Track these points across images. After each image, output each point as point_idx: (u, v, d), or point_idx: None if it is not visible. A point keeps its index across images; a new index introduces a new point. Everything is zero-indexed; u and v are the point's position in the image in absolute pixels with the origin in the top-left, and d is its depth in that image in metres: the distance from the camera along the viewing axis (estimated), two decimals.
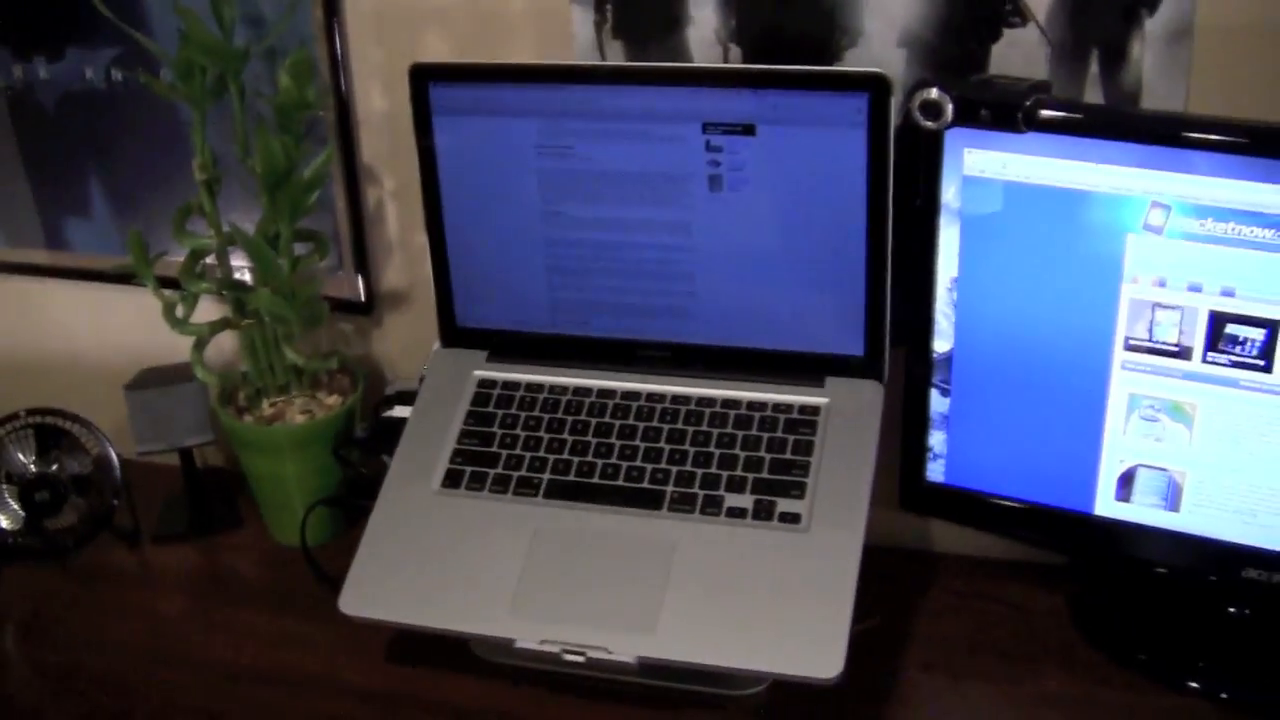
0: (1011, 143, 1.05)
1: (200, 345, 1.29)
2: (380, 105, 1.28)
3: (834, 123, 1.09)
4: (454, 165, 1.20)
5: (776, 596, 1.07)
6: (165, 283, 1.27)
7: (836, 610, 1.05)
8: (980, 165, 1.07)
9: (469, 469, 1.18)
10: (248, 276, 1.28)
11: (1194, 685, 1.12)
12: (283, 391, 1.31)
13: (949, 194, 1.09)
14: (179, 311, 1.26)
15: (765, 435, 1.16)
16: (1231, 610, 1.15)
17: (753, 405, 1.18)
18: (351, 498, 1.29)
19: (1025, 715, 1.11)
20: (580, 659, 1.06)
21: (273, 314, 1.23)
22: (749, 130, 1.12)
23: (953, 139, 1.07)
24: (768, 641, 1.05)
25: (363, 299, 1.36)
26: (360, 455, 1.30)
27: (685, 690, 1.11)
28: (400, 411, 1.25)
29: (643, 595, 1.08)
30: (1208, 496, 1.10)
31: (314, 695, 1.15)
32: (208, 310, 1.31)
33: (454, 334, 1.26)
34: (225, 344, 1.39)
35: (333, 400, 1.31)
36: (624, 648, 1.06)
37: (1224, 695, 1.11)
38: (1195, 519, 1.11)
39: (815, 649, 1.04)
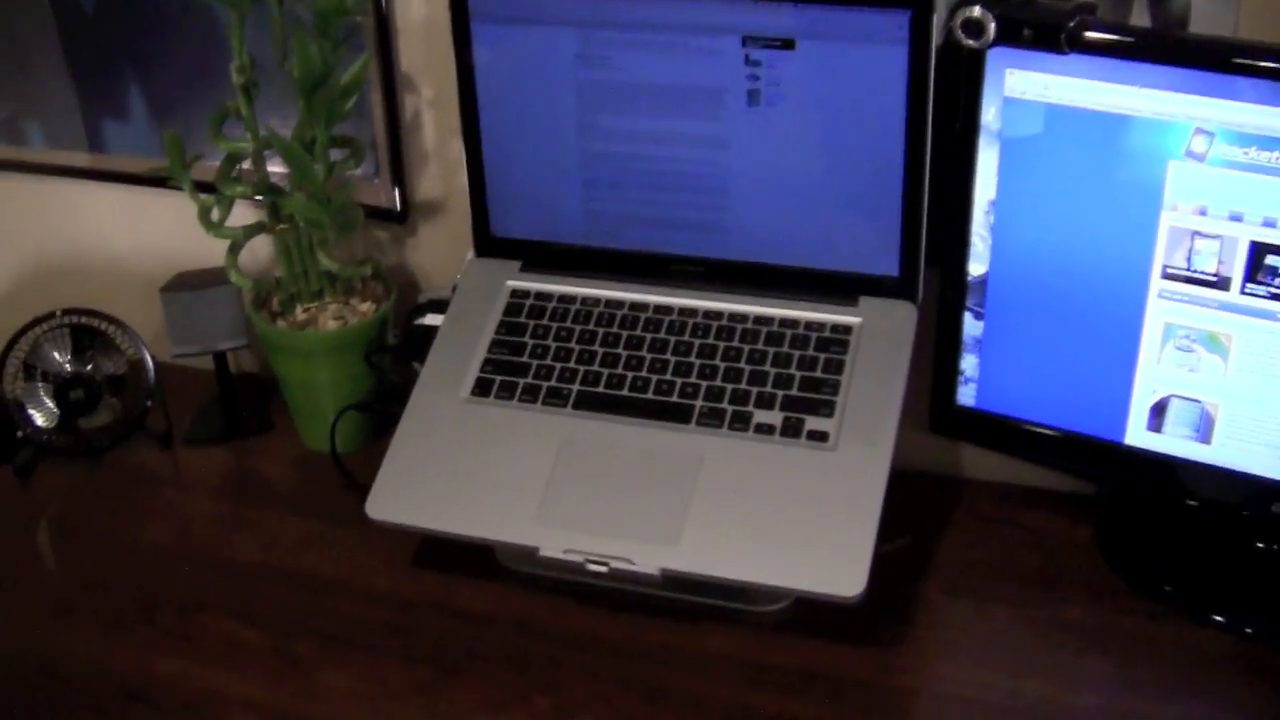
0: (1054, 64, 1.03)
1: (235, 249, 1.29)
2: (419, 12, 1.27)
3: (875, 39, 1.08)
4: (491, 74, 1.19)
5: (802, 514, 1.07)
6: (201, 186, 1.27)
7: (861, 529, 1.05)
8: (1021, 86, 1.05)
9: (499, 378, 1.18)
10: (283, 182, 1.27)
11: (1218, 619, 1.11)
12: (316, 297, 1.31)
13: (989, 115, 1.07)
14: (214, 215, 1.27)
15: (796, 353, 1.16)
16: (1260, 545, 1.15)
17: (785, 323, 1.18)
18: (382, 404, 1.30)
19: (1047, 642, 1.11)
20: (603, 569, 1.07)
21: (307, 219, 1.22)
22: (789, 45, 1.10)
23: (994, 59, 1.05)
24: (791, 558, 1.05)
25: (398, 207, 1.35)
26: (391, 362, 1.31)
27: (707, 604, 1.12)
28: (432, 320, 1.25)
29: (668, 508, 1.09)
30: (1240, 429, 1.09)
31: (339, 598, 1.16)
32: (243, 214, 1.31)
33: (488, 243, 1.26)
34: (260, 249, 1.39)
35: (366, 307, 1.31)
36: (647, 559, 1.07)
37: (1248, 630, 1.10)
38: (1226, 451, 1.10)
39: (838, 567, 1.04)
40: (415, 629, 1.13)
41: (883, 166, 1.13)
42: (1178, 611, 1.13)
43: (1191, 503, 1.16)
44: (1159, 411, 1.12)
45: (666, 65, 1.14)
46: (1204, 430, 1.11)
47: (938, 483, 1.29)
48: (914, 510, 1.19)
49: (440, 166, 1.35)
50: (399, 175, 1.34)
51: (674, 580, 1.07)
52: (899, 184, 1.13)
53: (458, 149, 1.24)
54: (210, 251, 1.33)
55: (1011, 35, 1.03)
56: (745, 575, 1.06)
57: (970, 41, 1.03)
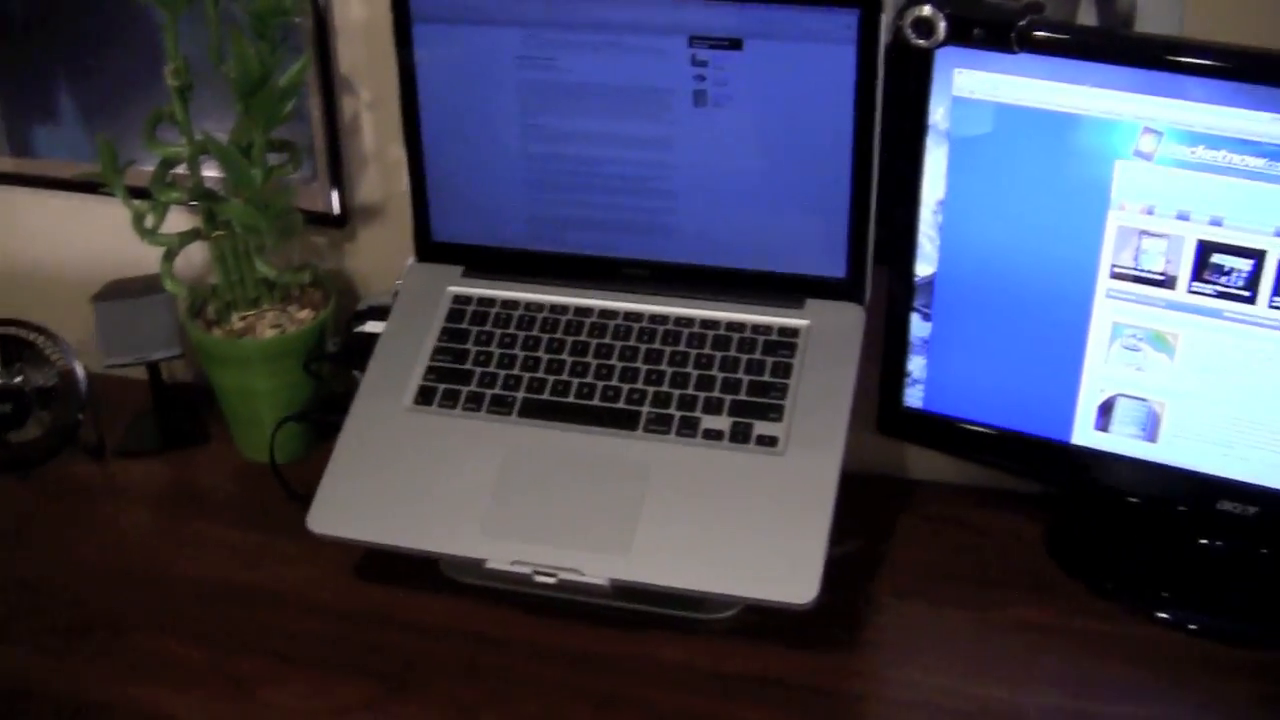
0: (1003, 63, 1.03)
1: (170, 256, 1.27)
2: (358, 13, 1.25)
3: (823, 39, 1.07)
4: (433, 75, 1.17)
5: (752, 520, 1.06)
6: (135, 192, 1.24)
7: (812, 535, 1.04)
8: (970, 86, 1.05)
9: (442, 386, 1.16)
10: (219, 187, 1.25)
11: (1163, 616, 1.11)
12: (253, 305, 1.28)
13: (937, 115, 1.07)
14: (148, 222, 1.24)
15: (744, 357, 1.15)
16: (1204, 542, 1.15)
17: (731, 326, 1.17)
18: (322, 414, 1.27)
19: (999, 642, 1.10)
20: (552, 580, 1.05)
21: (245, 225, 1.20)
22: (736, 45, 1.09)
23: (943, 58, 1.05)
24: (742, 565, 1.04)
25: (336, 212, 1.33)
26: (331, 370, 1.28)
27: (657, 613, 1.10)
28: (373, 327, 1.23)
29: (616, 517, 1.07)
30: (1186, 427, 1.09)
31: (282, 613, 1.14)
32: (177, 221, 1.28)
33: (429, 248, 1.23)
34: (194, 255, 1.35)
35: (304, 314, 1.28)
36: (597, 570, 1.05)
37: (1192, 626, 1.11)
38: (1173, 450, 1.10)
39: (790, 574, 1.03)
40: (361, 643, 1.10)
41: (830, 167, 1.12)
42: (1127, 610, 1.13)
43: (1138, 501, 1.16)
44: (1106, 411, 1.12)
45: (611, 66, 1.13)
46: (1151, 429, 1.11)
47: (886, 484, 1.28)
48: (863, 512, 1.18)
49: (380, 170, 1.32)
50: (338, 179, 1.32)
51: (624, 590, 1.06)
52: (846, 185, 1.12)
53: (398, 152, 1.21)
54: (144, 259, 1.30)
55: (962, 34, 1.02)
56: (696, 584, 1.04)
57: (920, 41, 1.02)
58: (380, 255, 1.36)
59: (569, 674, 1.07)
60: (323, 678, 1.07)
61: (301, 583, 1.16)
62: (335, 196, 1.32)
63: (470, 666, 1.08)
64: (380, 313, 1.23)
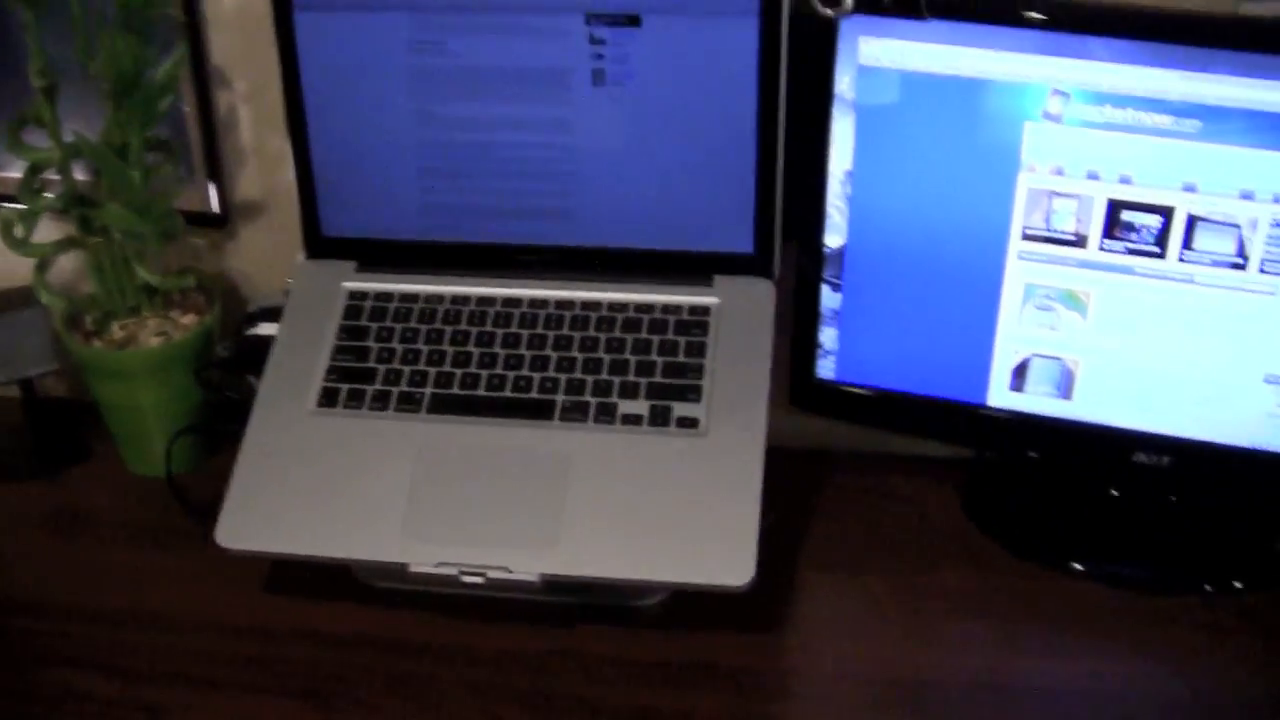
0: (908, 30, 1.02)
1: (43, 267, 1.19)
2: (231, 1, 1.18)
3: (724, 11, 1.05)
4: (318, 65, 1.12)
5: (680, 504, 1.04)
6: (1, 199, 1.18)
7: (743, 515, 1.03)
8: (876, 54, 1.04)
9: (345, 386, 1.12)
10: (92, 191, 1.17)
11: (1083, 569, 1.13)
12: (133, 313, 1.21)
13: (843, 85, 1.05)
14: (18, 231, 1.16)
15: (656, 338, 1.12)
16: (1119, 494, 1.17)
17: (640, 307, 1.14)
18: (217, 423, 1.22)
19: (925, 609, 1.10)
20: (479, 580, 1.02)
21: (125, 230, 1.13)
22: (634, 21, 1.06)
23: (848, 27, 1.03)
24: (675, 551, 1.02)
25: (216, 210, 1.27)
26: (224, 377, 1.22)
27: (582, 605, 1.08)
28: (266, 329, 1.17)
29: (540, 510, 1.04)
30: (1100, 384, 1.10)
31: (190, 635, 1.08)
32: (47, 229, 1.21)
33: (319, 244, 1.18)
34: (65, 264, 1.28)
35: (188, 320, 1.22)
36: (526, 565, 1.02)
37: (1113, 578, 1.12)
38: (1087, 406, 1.11)
39: (724, 556, 1.01)
40: (279, 660, 1.06)
41: (735, 142, 1.10)
42: (1047, 567, 1.14)
43: (1054, 458, 1.17)
44: (1020, 372, 1.12)
45: (506, 48, 1.09)
46: (1065, 387, 1.11)
47: (800, 457, 1.26)
48: (778, 487, 1.15)
49: (260, 165, 1.26)
50: (216, 176, 1.26)
51: (553, 585, 1.03)
52: (752, 159, 1.10)
53: (278, 145, 1.16)
54: (13, 270, 1.23)
55: (870, 2, 1.01)
56: (630, 573, 1.02)
57: (828, 11, 1.01)
58: (264, 254, 1.30)
59: (500, 675, 1.04)
60: (242, 700, 1.03)
61: (208, 601, 1.11)
62: (214, 194, 1.26)
63: (396, 676, 1.04)
64: (272, 314, 1.18)
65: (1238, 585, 1.12)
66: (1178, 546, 1.16)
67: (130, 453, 1.25)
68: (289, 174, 1.17)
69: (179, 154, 1.21)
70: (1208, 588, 1.12)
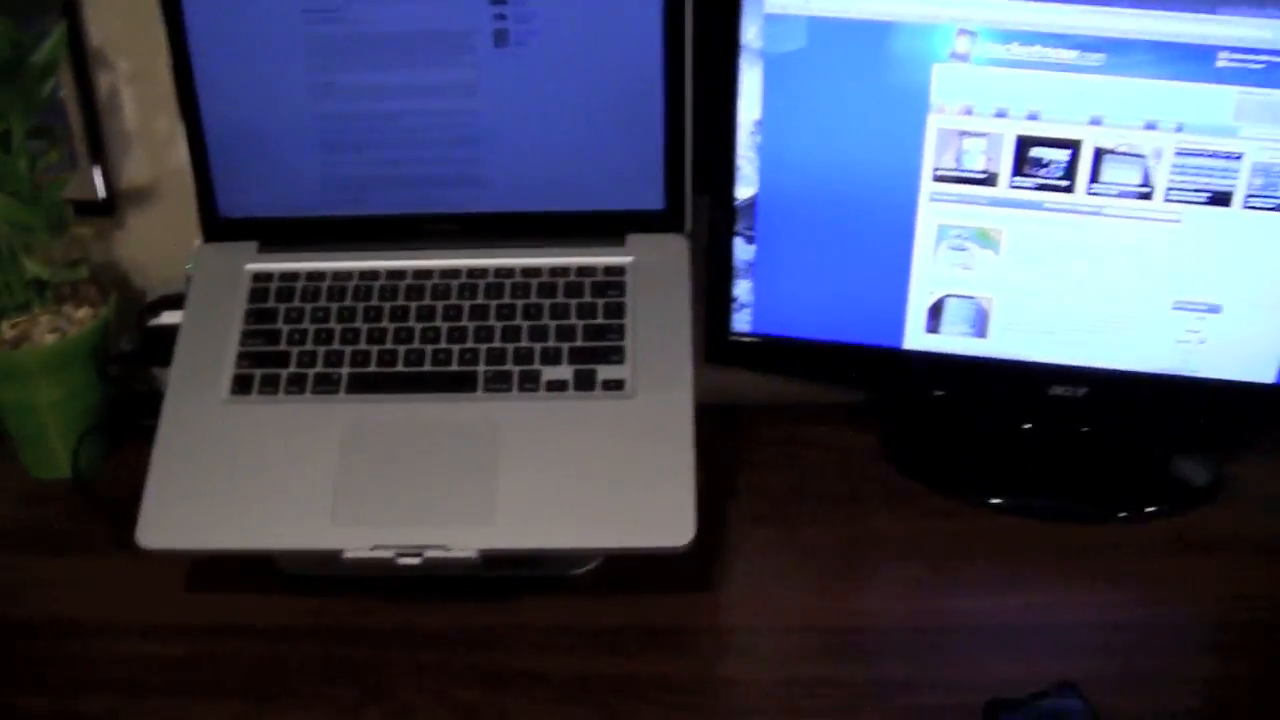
0: None
1: None
2: None
3: None
4: (208, 39, 1.08)
5: (615, 468, 1.03)
6: None
7: (678, 475, 1.02)
8: (782, 1, 1.03)
9: (258, 372, 1.08)
10: None
11: (1006, 504, 1.15)
12: (24, 310, 1.15)
13: (750, 34, 1.05)
14: None
15: (573, 302, 1.11)
16: (1035, 427, 1.19)
17: (555, 271, 1.13)
18: (123, 419, 1.18)
19: (858, 555, 1.11)
20: (416, 561, 1.00)
21: (13, 222, 1.08)
22: None
23: None
24: (614, 516, 1.01)
25: (102, 197, 1.22)
26: (127, 371, 1.18)
27: (518, 576, 1.06)
28: (170, 318, 1.14)
29: (474, 484, 1.02)
30: (1015, 320, 1.12)
31: (118, 642, 1.04)
32: None
33: (218, 227, 1.14)
34: None
35: (83, 314, 1.17)
36: (464, 542, 1.00)
37: (1034, 508, 1.14)
38: (1003, 343, 1.13)
39: (663, 517, 1.00)
40: (213, 660, 1.02)
41: (642, 97, 1.09)
42: (971, 504, 1.16)
43: (973, 396, 1.18)
44: (936, 312, 1.13)
45: (404, 12, 1.06)
46: (980, 325, 1.12)
47: (715, 412, 1.25)
48: (700, 444, 1.16)
49: (146, 148, 1.22)
50: (100, 162, 1.21)
51: (491, 560, 1.01)
52: (659, 114, 1.09)
53: (166, 127, 1.12)
54: None
55: None
56: (571, 542, 1.01)
57: None
58: (155, 240, 1.26)
59: (447, 655, 1.02)
60: (180, 705, 0.98)
61: (129, 605, 1.07)
62: (100, 181, 1.21)
63: (339, 664, 1.01)
64: (174, 301, 1.14)
65: (1150, 510, 1.15)
66: (1092, 475, 1.19)
67: (30, 456, 1.20)
68: (179, 156, 1.13)
69: (63, 141, 1.15)
70: (1122, 514, 1.15)
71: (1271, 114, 1.00)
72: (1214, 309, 1.08)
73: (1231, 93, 1.00)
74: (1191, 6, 0.98)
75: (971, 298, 1.12)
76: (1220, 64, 0.99)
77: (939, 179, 1.07)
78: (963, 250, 1.10)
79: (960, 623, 1.05)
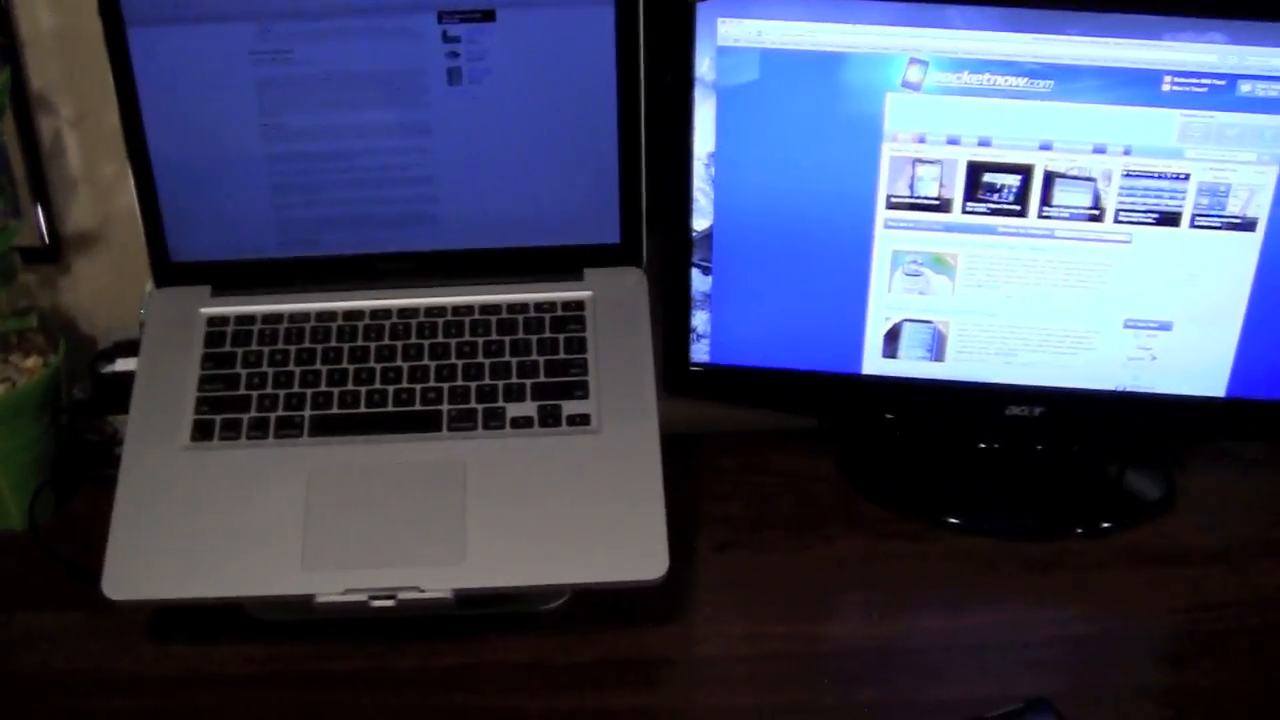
0: (766, 8, 1.02)
1: None
2: (49, 23, 1.12)
3: (578, 1, 1.04)
4: (156, 82, 1.06)
5: (586, 503, 1.03)
6: None
7: (649, 507, 1.02)
8: (735, 34, 1.04)
9: (219, 417, 1.07)
10: None
11: (961, 523, 1.16)
12: None
13: (703, 67, 1.05)
14: None
15: (534, 338, 1.11)
16: (991, 447, 1.21)
17: (513, 308, 1.13)
18: (82, 468, 1.15)
19: (824, 580, 1.12)
20: (390, 603, 0.99)
21: None
22: (488, 16, 1.05)
23: (705, 10, 1.03)
24: (588, 551, 1.01)
25: (45, 243, 1.20)
26: (81, 419, 1.16)
27: (486, 615, 1.05)
28: (125, 365, 1.12)
29: (444, 524, 1.02)
30: (971, 343, 1.13)
31: (83, 696, 1.01)
32: None
33: (169, 271, 1.13)
34: None
35: (32, 363, 1.14)
36: (437, 582, 0.99)
37: (993, 527, 1.16)
38: (960, 366, 1.15)
39: (637, 551, 1.01)
40: (181, 711, 1.00)
41: (596, 132, 1.09)
42: (931, 525, 1.17)
43: (930, 420, 1.20)
44: (893, 338, 1.14)
45: (356, 52, 1.06)
46: (937, 349, 1.14)
47: (678, 442, 1.21)
48: (667, 474, 1.15)
49: (92, 193, 1.20)
50: (45, 207, 1.19)
51: (465, 599, 1.00)
52: (614, 149, 1.10)
53: (112, 171, 1.11)
54: None
55: None
56: (545, 578, 1.01)
57: None
58: (102, 287, 1.24)
59: (416, 696, 1.01)
60: None
61: (95, 657, 1.04)
62: (43, 227, 1.19)
63: (307, 711, 1.00)
64: (129, 348, 1.12)
65: (1106, 525, 1.17)
66: (1049, 493, 1.21)
67: None
68: (125, 200, 1.11)
69: (5, 187, 1.14)
70: (1079, 530, 1.17)
71: (1216, 135, 1.03)
72: (1164, 326, 1.11)
73: (1176, 116, 1.03)
74: (1137, 33, 1.00)
75: (928, 322, 1.13)
76: (1166, 88, 1.02)
77: (893, 206, 1.08)
78: (918, 276, 1.11)
79: (927, 643, 1.07)
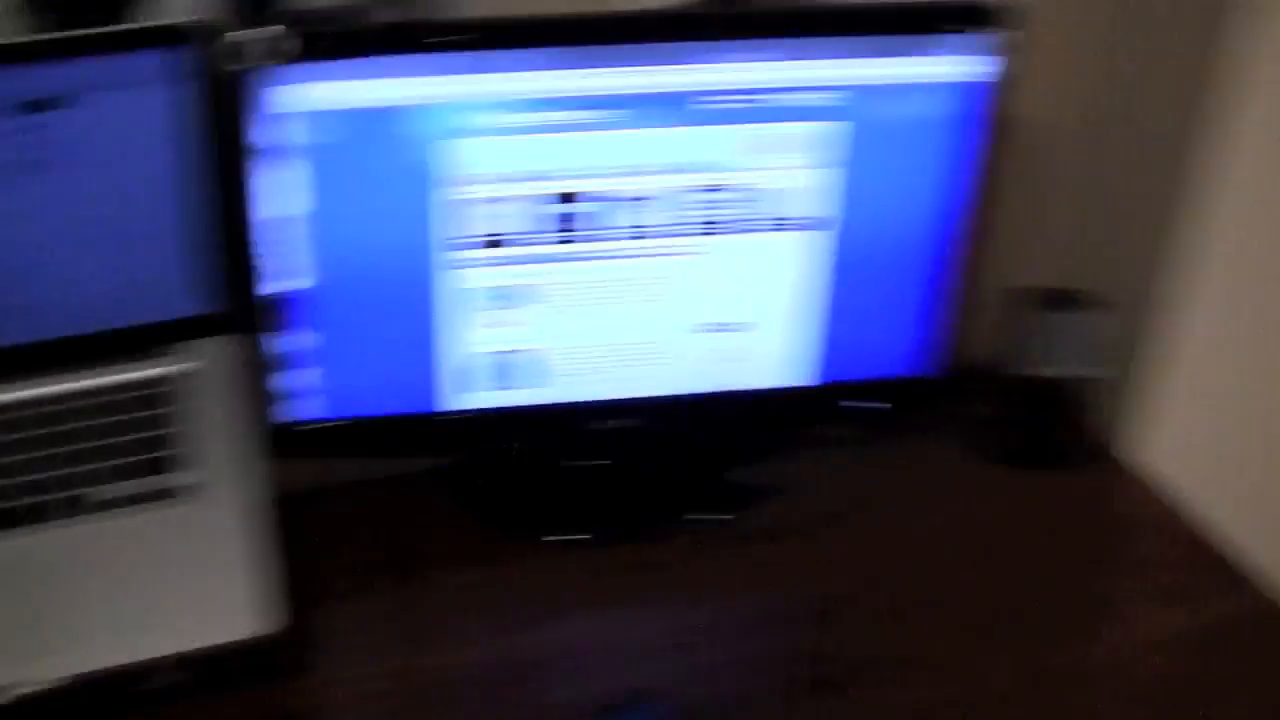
0: (316, 72, 1.05)
1: None
2: None
3: (136, 83, 1.06)
4: None
5: (192, 572, 1.04)
6: None
7: (256, 565, 1.05)
8: (286, 101, 1.06)
9: None
10: None
11: (578, 537, 1.23)
12: None
13: (274, 134, 1.07)
14: None
15: (118, 418, 1.12)
16: (595, 460, 1.28)
17: (93, 392, 1.14)
18: None
19: (443, 610, 1.16)
20: (8, 701, 0.98)
21: None
22: (57, 104, 1.05)
23: (252, 81, 1.05)
24: (203, 617, 1.02)
25: None
26: None
27: (117, 699, 1.03)
28: None
29: (51, 615, 1.01)
30: (560, 366, 1.20)
31: None
32: None
33: None
34: None
35: None
36: (54, 671, 0.98)
37: (606, 535, 1.23)
38: (560, 389, 1.21)
39: (250, 609, 1.02)
40: None
41: (172, 208, 1.11)
42: (551, 544, 1.23)
43: (539, 441, 1.26)
44: (485, 372, 1.19)
45: None
46: (529, 376, 1.20)
47: (301, 499, 1.23)
48: (284, 532, 1.15)
49: None
50: None
51: (87, 685, 0.99)
52: (190, 223, 1.12)
53: None
54: None
55: (275, 53, 1.03)
56: (168, 649, 1.00)
57: (235, 67, 1.03)
58: None
59: None
60: None
61: None
62: None
63: None
64: None
65: (718, 518, 1.26)
66: (659, 498, 1.29)
67: None
68: None
69: None
70: (691, 526, 1.24)
71: (743, 145, 1.12)
72: (740, 326, 1.20)
73: (706, 132, 1.11)
74: (659, 60, 1.08)
75: (513, 351, 1.18)
76: (691, 107, 1.10)
77: (462, 247, 1.13)
78: (503, 309, 1.16)
79: (543, 656, 1.12)
